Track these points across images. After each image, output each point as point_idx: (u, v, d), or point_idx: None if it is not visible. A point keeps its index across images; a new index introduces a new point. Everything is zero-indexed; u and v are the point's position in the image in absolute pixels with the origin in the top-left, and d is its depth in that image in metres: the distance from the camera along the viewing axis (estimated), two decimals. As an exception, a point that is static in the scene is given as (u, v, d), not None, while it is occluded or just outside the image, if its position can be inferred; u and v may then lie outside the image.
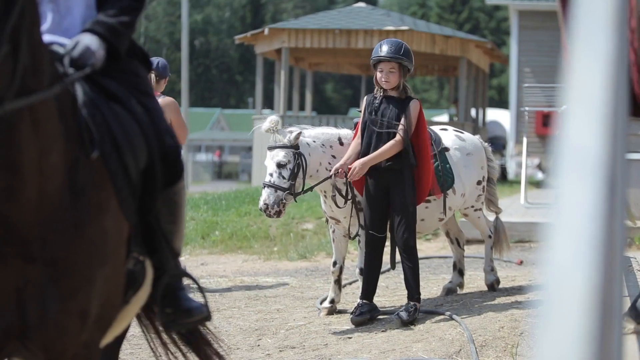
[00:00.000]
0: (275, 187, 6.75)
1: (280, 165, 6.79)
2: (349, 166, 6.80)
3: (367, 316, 6.83)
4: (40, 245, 2.90)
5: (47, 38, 3.35)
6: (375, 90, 7.01)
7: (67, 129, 2.98)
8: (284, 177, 6.79)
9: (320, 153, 6.99)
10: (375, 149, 6.82)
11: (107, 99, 3.27)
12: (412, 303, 6.84)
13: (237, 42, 22.30)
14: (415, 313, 6.78)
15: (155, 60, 9.26)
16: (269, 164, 6.86)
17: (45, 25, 3.40)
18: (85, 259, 2.97)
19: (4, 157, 2.78)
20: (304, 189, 6.99)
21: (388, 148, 6.77)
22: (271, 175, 6.80)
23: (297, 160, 6.84)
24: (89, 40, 3.26)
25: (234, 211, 12.61)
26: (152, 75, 9.09)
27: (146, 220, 3.35)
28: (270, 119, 6.95)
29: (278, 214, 6.78)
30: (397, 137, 6.78)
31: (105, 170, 3.10)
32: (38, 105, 2.83)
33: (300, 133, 6.88)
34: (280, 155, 6.81)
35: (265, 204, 6.72)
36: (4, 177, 2.79)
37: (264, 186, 6.79)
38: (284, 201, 6.78)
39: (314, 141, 6.99)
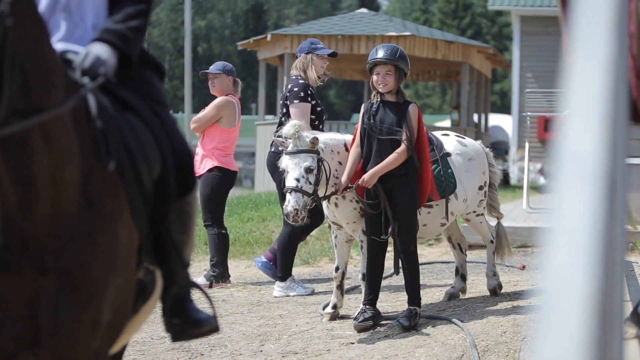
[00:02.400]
0: (303, 192, 6.73)
1: (309, 171, 6.77)
2: (358, 180, 6.76)
3: (370, 322, 6.82)
4: (54, 256, 2.91)
5: (60, 46, 3.36)
6: (372, 95, 7.01)
7: (82, 140, 2.99)
8: (310, 183, 6.77)
9: (330, 159, 6.99)
10: (377, 155, 6.81)
11: (121, 109, 3.28)
12: (412, 308, 6.83)
13: (239, 48, 22.34)
14: (415, 318, 6.78)
15: (232, 67, 9.48)
16: (293, 169, 6.80)
17: (58, 34, 3.40)
18: (98, 268, 2.98)
19: (18, 174, 2.78)
20: (321, 196, 6.96)
21: (395, 158, 6.76)
22: (298, 180, 6.75)
23: (320, 166, 6.84)
24: (99, 50, 3.26)
25: (236, 217, 12.61)
26: (231, 79, 9.30)
27: (157, 230, 3.35)
28: (293, 123, 6.92)
29: (303, 219, 6.78)
30: (402, 146, 6.77)
31: (119, 179, 3.10)
32: (50, 122, 2.83)
33: (316, 138, 6.87)
34: (309, 160, 6.79)
35: (295, 209, 6.67)
36: (18, 192, 2.80)
37: (291, 191, 6.75)
38: (308, 206, 6.79)
39: (325, 147, 6.99)
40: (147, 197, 3.24)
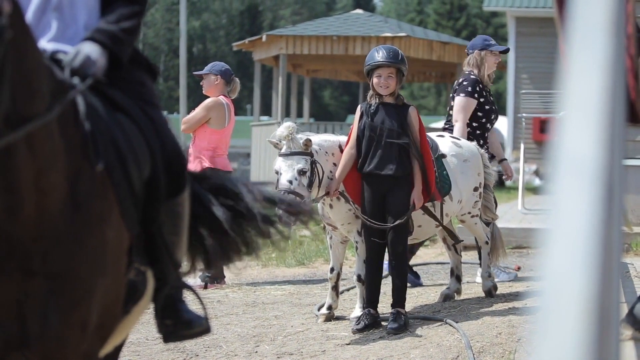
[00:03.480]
0: (295, 194, 6.72)
1: (302, 173, 6.76)
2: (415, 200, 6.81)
3: (370, 329, 6.79)
4: (40, 259, 2.90)
5: (51, 46, 3.35)
6: (369, 96, 6.99)
7: (69, 142, 2.97)
8: (303, 185, 6.77)
9: (324, 161, 6.98)
10: (378, 158, 6.79)
11: (111, 109, 3.26)
12: (395, 310, 6.82)
13: (235, 48, 22.34)
14: (403, 318, 6.76)
15: (223, 66, 9.48)
16: (286, 170, 6.78)
17: (49, 34, 3.38)
18: (85, 269, 2.97)
19: (1, 180, 2.77)
20: (313, 198, 6.95)
21: (419, 173, 6.82)
22: (290, 182, 6.74)
23: (313, 168, 6.83)
24: (89, 50, 3.24)
25: (231, 218, 12.59)
26: (219, 78, 9.29)
27: (148, 231, 3.34)
28: (287, 125, 6.91)
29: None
30: (415, 161, 6.81)
31: (108, 180, 3.09)
32: (34, 129, 2.82)
33: (309, 140, 6.85)
34: (302, 162, 6.78)
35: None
36: (2, 198, 2.79)
37: (283, 193, 6.73)
38: None
39: (320, 148, 6.97)
40: (137, 198, 3.23)
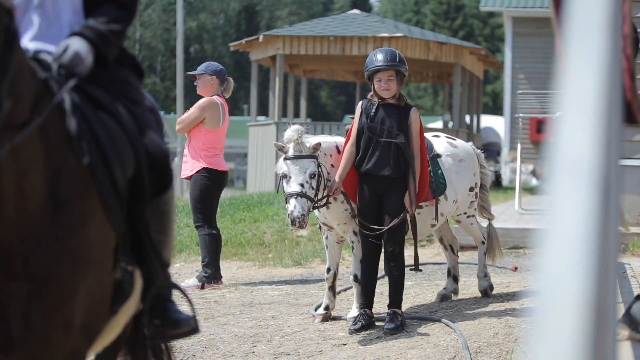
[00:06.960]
0: (307, 198, 6.71)
1: (313, 176, 6.76)
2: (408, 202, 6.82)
3: (366, 330, 6.81)
4: (21, 262, 2.89)
5: (33, 45, 3.33)
6: (370, 95, 6.97)
7: (52, 142, 2.96)
8: (313, 188, 6.76)
9: (323, 163, 6.97)
10: (375, 157, 6.80)
11: (94, 108, 3.24)
12: (391, 310, 6.82)
13: (232, 49, 22.32)
14: (398, 318, 6.77)
15: (217, 66, 9.50)
16: (297, 174, 6.76)
17: (31, 32, 3.36)
18: (68, 270, 2.95)
19: None
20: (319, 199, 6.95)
21: (415, 178, 6.85)
22: (302, 185, 6.73)
23: (320, 171, 6.83)
24: (79, 46, 3.22)
25: (228, 218, 12.60)
26: (214, 78, 9.32)
27: (135, 230, 3.33)
28: (295, 128, 6.89)
29: (306, 224, 6.76)
30: (416, 161, 6.85)
31: (90, 179, 3.07)
32: (15, 134, 2.80)
33: (319, 143, 6.85)
34: (312, 165, 6.78)
35: (302, 214, 6.64)
36: None
37: (296, 196, 6.71)
38: (310, 211, 6.79)
39: (319, 151, 6.96)
40: (122, 197, 3.22)
